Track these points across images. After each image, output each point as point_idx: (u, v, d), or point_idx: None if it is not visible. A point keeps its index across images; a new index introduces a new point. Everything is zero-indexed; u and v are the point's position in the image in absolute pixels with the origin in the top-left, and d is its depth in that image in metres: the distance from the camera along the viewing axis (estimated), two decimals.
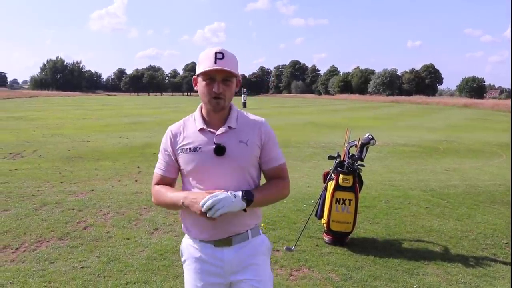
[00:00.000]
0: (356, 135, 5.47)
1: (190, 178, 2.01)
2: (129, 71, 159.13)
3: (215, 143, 1.95)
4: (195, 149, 1.97)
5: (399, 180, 8.65)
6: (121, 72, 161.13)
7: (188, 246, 2.08)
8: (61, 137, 14.52)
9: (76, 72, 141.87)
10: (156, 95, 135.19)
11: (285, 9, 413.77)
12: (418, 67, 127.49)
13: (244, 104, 41.78)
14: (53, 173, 8.41)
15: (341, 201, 4.87)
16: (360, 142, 5.09)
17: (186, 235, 2.11)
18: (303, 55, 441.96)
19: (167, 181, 2.07)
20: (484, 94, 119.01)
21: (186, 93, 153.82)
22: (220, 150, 1.93)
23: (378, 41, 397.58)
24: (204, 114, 2.04)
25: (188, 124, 2.05)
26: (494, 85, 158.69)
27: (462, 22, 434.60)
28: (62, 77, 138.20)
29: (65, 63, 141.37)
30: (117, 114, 28.37)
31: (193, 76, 2.01)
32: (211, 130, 1.98)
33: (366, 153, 5.10)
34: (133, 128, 18.60)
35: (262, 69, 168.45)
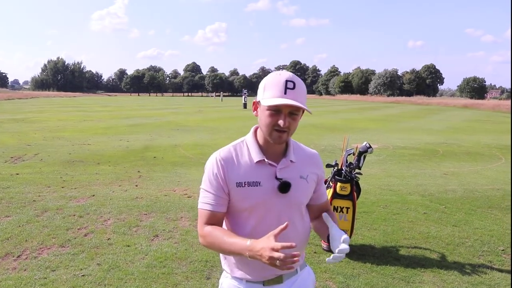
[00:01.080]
0: (355, 138, 5.55)
1: (245, 214, 1.80)
2: (130, 71, 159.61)
3: (277, 178, 1.77)
4: (254, 184, 1.75)
5: (397, 184, 8.70)
6: (122, 72, 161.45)
7: (231, 286, 1.88)
8: (62, 140, 14.60)
9: (77, 73, 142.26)
10: (156, 96, 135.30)
11: (286, 9, 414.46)
12: (419, 67, 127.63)
13: (245, 106, 41.88)
14: (54, 178, 8.47)
15: (339, 209, 4.92)
16: (357, 151, 5.14)
17: (226, 273, 1.92)
18: (304, 55, 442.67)
19: (218, 217, 1.80)
20: (485, 94, 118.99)
21: (186, 94, 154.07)
22: (285, 187, 1.75)
23: (379, 41, 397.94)
24: (260, 142, 1.82)
25: (241, 153, 1.82)
26: (495, 85, 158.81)
27: (463, 22, 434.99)
28: (63, 78, 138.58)
29: (66, 63, 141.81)
30: (118, 116, 28.45)
31: (254, 100, 1.81)
32: (271, 163, 1.78)
33: (363, 161, 5.16)
34: (133, 130, 18.67)
35: (263, 69, 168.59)
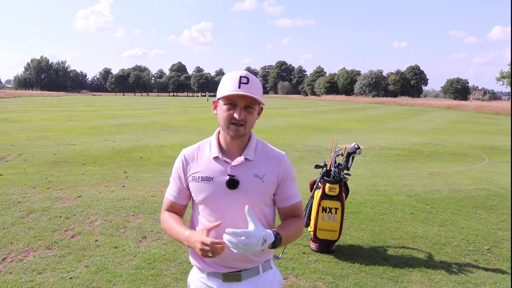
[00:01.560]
0: (341, 139, 5.56)
1: (200, 208, 1.92)
2: (115, 71, 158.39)
3: (228, 175, 1.84)
4: (207, 179, 1.86)
5: (384, 184, 8.77)
6: (106, 72, 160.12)
7: (196, 280, 1.98)
8: (47, 140, 14.41)
9: (61, 72, 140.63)
10: (142, 96, 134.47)
11: (272, 9, 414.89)
12: (403, 68, 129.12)
13: None
14: (39, 179, 8.36)
15: (328, 210, 4.95)
16: (346, 152, 5.17)
17: (194, 267, 2.01)
18: (289, 55, 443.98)
19: (177, 208, 1.99)
20: (468, 96, 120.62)
21: (172, 94, 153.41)
22: (233, 183, 1.83)
23: (364, 42, 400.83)
24: (221, 140, 1.92)
25: (203, 150, 1.94)
26: (477, 87, 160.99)
27: (447, 23, 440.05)
28: (47, 77, 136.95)
29: (49, 62, 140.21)
30: (103, 116, 28.20)
31: (213, 99, 1.91)
32: (226, 159, 1.87)
33: (352, 162, 5.18)
34: (119, 130, 18.52)
35: (248, 69, 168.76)
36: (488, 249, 5.32)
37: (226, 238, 1.65)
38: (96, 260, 4.56)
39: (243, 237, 1.63)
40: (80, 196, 7.09)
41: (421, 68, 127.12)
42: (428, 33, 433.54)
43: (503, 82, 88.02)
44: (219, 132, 1.95)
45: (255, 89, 1.79)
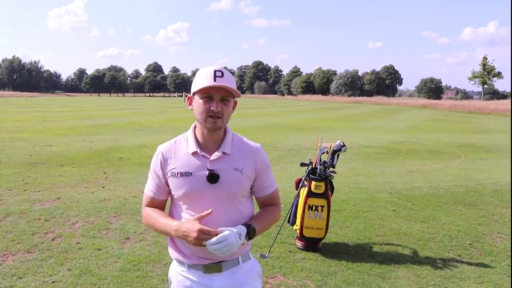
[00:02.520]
0: (323, 137, 5.53)
1: (180, 203, 1.94)
2: (90, 71, 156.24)
3: (208, 169, 1.87)
4: (186, 174, 1.88)
5: (365, 182, 8.84)
6: (81, 72, 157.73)
7: (176, 274, 2.00)
8: (22, 142, 14.06)
9: (34, 72, 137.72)
10: (118, 96, 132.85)
11: (248, 9, 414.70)
12: (378, 68, 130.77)
13: None
14: (16, 180, 8.13)
15: (314, 208, 4.94)
16: (331, 149, 5.17)
17: (174, 261, 2.03)
18: (266, 55, 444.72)
19: (157, 203, 2.00)
20: (441, 95, 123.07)
21: (148, 94, 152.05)
22: (213, 178, 1.86)
23: (340, 42, 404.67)
24: (197, 135, 1.95)
25: (180, 146, 1.96)
26: (450, 86, 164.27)
27: (420, 24, 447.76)
28: (19, 77, 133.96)
29: (22, 62, 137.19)
30: (79, 116, 27.71)
31: (188, 95, 1.95)
32: (205, 154, 1.90)
33: (337, 159, 5.19)
34: (96, 131, 18.21)
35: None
36: (470, 244, 5.40)
37: (209, 248, 1.73)
38: (79, 263, 4.44)
39: (223, 241, 1.72)
40: (59, 198, 6.92)
41: (395, 68, 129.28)
42: (402, 34, 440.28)
43: (474, 81, 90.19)
44: (195, 127, 1.98)
45: (230, 82, 1.84)
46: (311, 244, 5.01)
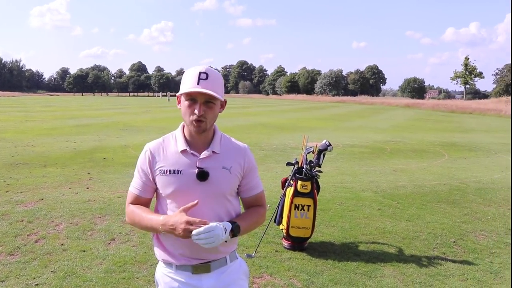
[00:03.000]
0: (303, 137, 5.55)
1: (168, 201, 1.92)
2: (73, 70, 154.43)
3: (198, 167, 1.87)
4: (175, 172, 1.88)
5: (350, 181, 8.89)
6: (64, 71, 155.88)
7: (164, 276, 1.98)
8: (3, 142, 13.82)
9: (15, 71, 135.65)
10: (101, 96, 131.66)
11: (233, 9, 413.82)
12: (362, 67, 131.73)
13: None
14: None
15: (300, 207, 4.95)
16: (317, 149, 5.19)
17: (160, 263, 2.02)
18: (250, 55, 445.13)
19: (142, 202, 1.98)
20: (424, 94, 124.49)
21: (132, 94, 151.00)
22: (203, 175, 1.86)
23: (324, 42, 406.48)
24: (186, 134, 1.95)
25: (169, 144, 1.96)
26: (433, 86, 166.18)
27: (403, 24, 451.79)
28: (0, 76, 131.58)
29: (3, 61, 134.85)
30: (62, 116, 27.37)
31: (177, 95, 1.94)
32: (194, 153, 1.90)
33: (323, 159, 5.21)
34: (80, 131, 18.00)
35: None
36: (454, 242, 5.47)
37: (194, 238, 1.71)
38: (63, 265, 4.38)
39: (210, 232, 1.71)
40: (42, 199, 6.81)
41: (379, 68, 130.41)
42: (386, 34, 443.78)
43: (457, 81, 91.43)
44: (183, 126, 1.98)
45: (214, 85, 1.83)
46: (298, 244, 5.02)
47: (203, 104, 1.83)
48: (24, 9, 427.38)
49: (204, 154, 1.90)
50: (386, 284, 4.21)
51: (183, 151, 1.91)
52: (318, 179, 5.22)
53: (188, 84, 1.82)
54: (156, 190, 1.97)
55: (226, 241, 1.83)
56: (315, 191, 5.07)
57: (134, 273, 4.24)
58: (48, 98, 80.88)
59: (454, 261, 4.85)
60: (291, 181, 5.10)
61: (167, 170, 1.89)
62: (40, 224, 5.63)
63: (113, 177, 8.69)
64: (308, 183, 4.98)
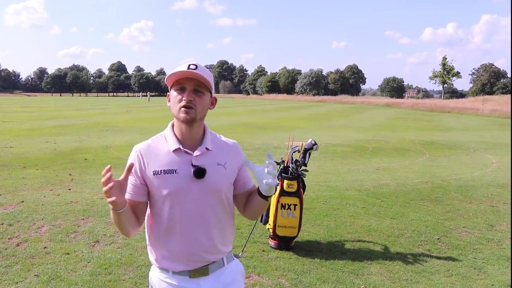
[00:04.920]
0: (288, 137, 5.55)
1: (163, 202, 1.85)
2: (50, 70, 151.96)
3: (193, 165, 1.83)
4: (170, 171, 1.82)
5: (334, 180, 8.93)
6: (42, 71, 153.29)
7: (160, 282, 1.92)
8: None
9: None
10: (80, 96, 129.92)
11: (213, 8, 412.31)
12: (342, 67, 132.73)
13: None
14: None
15: (287, 206, 4.94)
16: (303, 148, 5.19)
17: (155, 267, 1.95)
18: (231, 55, 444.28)
19: (135, 205, 1.86)
20: (404, 94, 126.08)
21: (112, 94, 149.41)
22: (200, 173, 1.82)
23: (304, 42, 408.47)
24: (177, 133, 1.90)
25: (159, 144, 1.90)
26: (412, 85, 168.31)
27: (383, 24, 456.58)
28: None
29: None
30: (41, 117, 26.87)
31: (167, 93, 1.92)
32: (187, 151, 1.86)
33: (309, 158, 5.22)
34: (60, 131, 17.70)
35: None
36: (438, 239, 5.54)
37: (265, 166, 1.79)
38: (47, 268, 4.29)
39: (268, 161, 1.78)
40: (23, 201, 6.67)
41: (359, 68, 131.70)
42: (366, 34, 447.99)
43: (435, 81, 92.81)
44: (173, 125, 1.94)
45: (203, 74, 1.81)
46: (284, 243, 5.02)
47: (192, 91, 1.81)
48: None
49: (198, 151, 1.87)
50: (373, 281, 4.23)
51: (176, 150, 1.86)
52: (304, 178, 5.22)
53: (177, 73, 1.80)
54: (149, 192, 1.89)
55: (266, 199, 1.86)
56: (301, 190, 5.08)
57: (120, 275, 4.17)
58: (26, 99, 79.45)
59: (438, 258, 4.91)
60: (277, 180, 5.08)
61: (161, 170, 1.83)
62: (22, 227, 5.51)
63: (95, 178, 8.56)
64: (294, 182, 4.98)
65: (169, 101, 1.90)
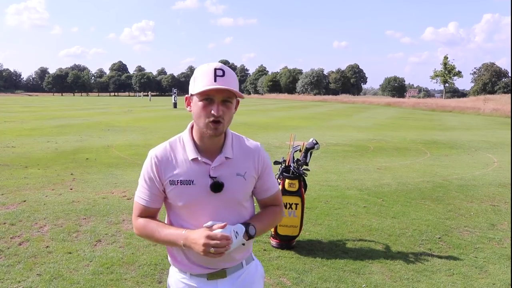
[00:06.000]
0: (289, 136, 5.56)
1: (180, 212, 1.80)
2: (52, 70, 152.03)
3: (211, 177, 1.74)
4: (187, 182, 1.74)
5: (335, 180, 8.94)
6: (43, 71, 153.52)
7: (178, 282, 1.88)
8: None
9: None
10: (81, 96, 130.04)
11: (214, 8, 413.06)
12: (343, 67, 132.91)
13: (175, 105, 41.27)
14: None
15: (288, 206, 4.95)
16: (304, 147, 5.20)
17: (173, 268, 1.92)
18: (232, 54, 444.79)
19: (151, 212, 1.84)
20: (405, 93, 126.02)
21: (113, 93, 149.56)
22: (217, 187, 1.73)
23: (306, 41, 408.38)
24: (195, 138, 1.79)
25: (177, 150, 1.79)
26: (413, 85, 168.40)
27: (384, 24, 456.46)
28: None
29: None
30: (43, 117, 26.90)
31: (186, 95, 1.78)
32: (206, 161, 1.76)
33: (310, 157, 5.23)
34: (61, 131, 17.73)
35: (191, 69, 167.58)
36: (439, 238, 5.54)
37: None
38: (49, 268, 4.30)
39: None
40: (25, 201, 6.69)
41: (360, 67, 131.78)
42: (367, 33, 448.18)
43: (436, 80, 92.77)
44: (191, 129, 1.82)
45: (231, 83, 1.67)
46: (286, 242, 5.03)
47: (221, 103, 1.67)
48: (0, 7, 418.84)
49: (217, 161, 1.76)
50: (374, 280, 4.24)
51: (195, 159, 1.76)
52: (305, 178, 5.23)
53: (203, 82, 1.65)
54: (165, 199, 1.84)
55: (243, 244, 1.74)
56: (303, 189, 5.08)
57: (122, 275, 4.19)
58: (27, 98, 79.56)
59: (440, 257, 4.91)
60: (279, 180, 5.10)
61: (178, 180, 1.75)
62: (24, 227, 5.52)
63: (97, 177, 8.59)
64: (296, 182, 4.99)
65: (188, 104, 1.77)
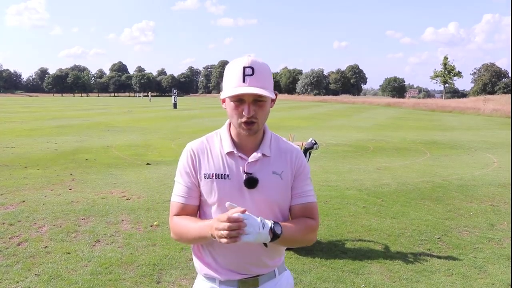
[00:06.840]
0: (288, 136, 5.55)
1: (211, 208, 1.72)
2: (52, 70, 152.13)
3: (245, 172, 1.67)
4: (222, 176, 1.68)
5: (335, 180, 8.93)
6: (43, 71, 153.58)
7: None
8: None
9: None
10: (82, 96, 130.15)
11: (214, 8, 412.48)
12: (343, 67, 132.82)
13: (175, 105, 41.29)
14: None
15: None
16: (303, 147, 5.20)
17: (200, 276, 1.83)
18: (232, 55, 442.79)
19: (189, 210, 1.74)
20: (405, 93, 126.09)
21: (113, 94, 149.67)
22: (251, 182, 1.65)
23: (305, 42, 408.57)
24: (233, 134, 1.74)
25: (213, 144, 1.75)
26: (413, 85, 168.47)
27: (384, 24, 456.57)
28: None
29: None
30: (43, 117, 26.92)
31: (220, 97, 1.72)
32: (242, 155, 1.70)
33: (309, 157, 5.22)
34: (61, 131, 17.74)
35: (191, 69, 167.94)
36: (438, 238, 5.53)
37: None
38: (47, 268, 4.30)
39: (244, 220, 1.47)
40: (24, 201, 6.68)
41: (360, 67, 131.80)
42: (367, 33, 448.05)
43: (436, 80, 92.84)
44: (229, 125, 1.77)
45: (262, 80, 1.60)
46: None
47: (252, 103, 1.61)
48: (0, 7, 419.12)
49: (253, 157, 1.70)
50: (373, 281, 4.23)
51: (230, 153, 1.71)
52: None
53: (232, 83, 1.60)
54: (200, 196, 1.76)
55: (265, 245, 1.59)
56: None
57: (120, 275, 4.18)
58: (27, 99, 79.60)
59: (439, 257, 4.90)
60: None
61: (213, 174, 1.69)
62: (22, 227, 5.52)
63: (96, 178, 8.58)
64: None
65: (223, 102, 1.72)
